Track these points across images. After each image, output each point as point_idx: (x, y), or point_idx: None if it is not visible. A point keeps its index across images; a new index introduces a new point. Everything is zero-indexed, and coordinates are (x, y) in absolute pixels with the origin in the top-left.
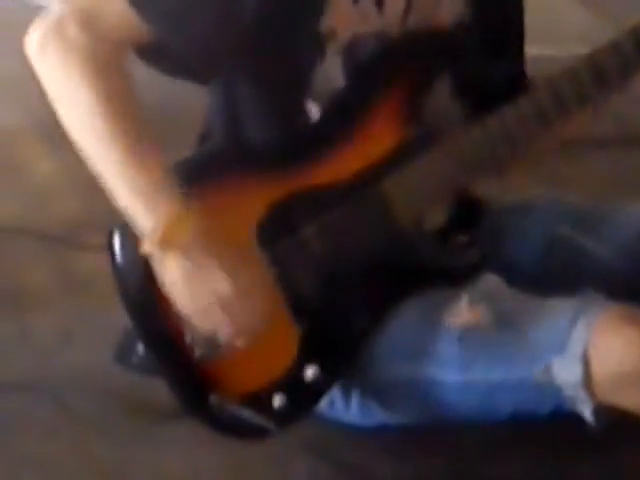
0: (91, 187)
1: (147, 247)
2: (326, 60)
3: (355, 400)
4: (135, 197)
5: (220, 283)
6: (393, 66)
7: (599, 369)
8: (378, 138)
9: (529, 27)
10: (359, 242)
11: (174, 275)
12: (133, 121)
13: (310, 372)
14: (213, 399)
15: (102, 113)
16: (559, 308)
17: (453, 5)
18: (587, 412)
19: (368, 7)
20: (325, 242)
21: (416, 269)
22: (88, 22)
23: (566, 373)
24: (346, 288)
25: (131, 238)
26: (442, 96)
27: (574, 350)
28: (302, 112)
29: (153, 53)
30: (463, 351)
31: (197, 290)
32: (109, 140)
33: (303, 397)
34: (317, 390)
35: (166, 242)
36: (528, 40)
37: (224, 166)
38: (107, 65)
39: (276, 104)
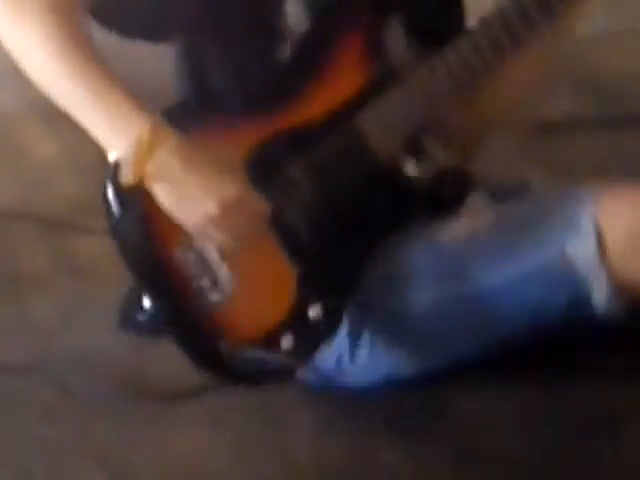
0: (91, 169)
1: (128, 173)
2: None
3: (364, 349)
4: (106, 118)
5: (207, 204)
6: (351, 4)
7: (611, 235)
8: (346, 76)
9: None
10: (343, 177)
11: (164, 193)
12: (92, 51)
13: (313, 310)
14: (223, 347)
15: (61, 45)
16: (563, 196)
17: None
18: (601, 295)
19: None
20: (310, 180)
21: (402, 198)
22: None
23: (580, 249)
24: (336, 223)
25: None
26: (395, 32)
27: (585, 226)
28: (271, 56)
29: (108, 10)
30: (484, 255)
31: (188, 209)
32: (72, 69)
33: (310, 335)
34: (323, 327)
35: (145, 158)
36: None
37: (199, 117)
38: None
39: (244, 50)
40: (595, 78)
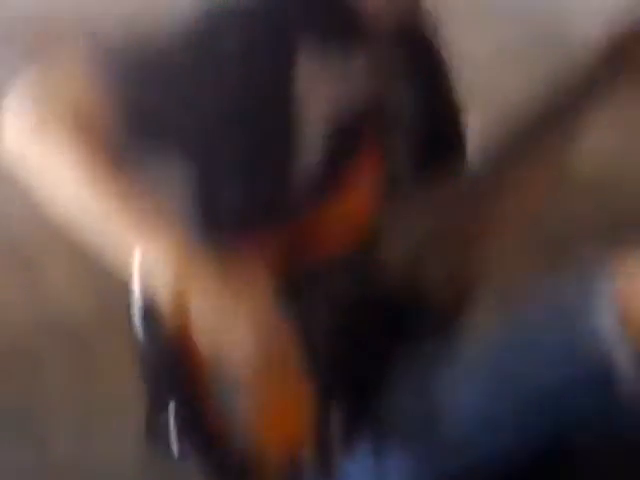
0: (107, 281)
1: (162, 296)
2: (306, 134)
3: (391, 467)
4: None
5: (243, 331)
6: (370, 124)
7: (630, 301)
8: (362, 196)
9: None
10: (361, 297)
11: (198, 319)
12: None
13: (334, 424)
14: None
15: (91, 168)
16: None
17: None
18: (624, 359)
19: (333, 72)
20: (330, 300)
21: (418, 312)
22: (71, 110)
23: (603, 321)
24: (353, 342)
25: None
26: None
27: (605, 297)
28: (284, 190)
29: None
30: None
31: (223, 334)
32: (103, 191)
33: (332, 451)
34: (345, 441)
35: (180, 283)
36: None
37: (214, 239)
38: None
39: (258, 170)
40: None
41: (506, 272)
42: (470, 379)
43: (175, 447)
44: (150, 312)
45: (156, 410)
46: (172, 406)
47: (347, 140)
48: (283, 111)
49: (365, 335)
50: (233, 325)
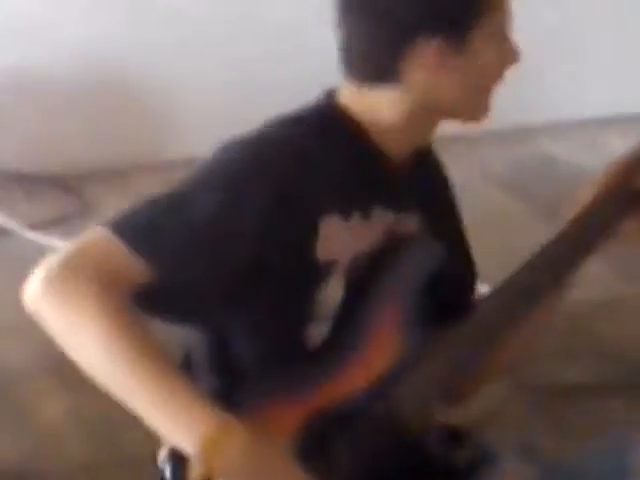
0: (98, 429)
1: (196, 469)
2: (328, 286)
3: None
4: (172, 419)
5: None
6: (384, 275)
7: None
8: (381, 349)
9: None
10: (377, 450)
11: None
12: (154, 349)
13: None
14: None
15: (122, 348)
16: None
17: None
18: None
19: (357, 226)
20: (348, 455)
21: (424, 466)
22: (96, 267)
23: None
24: None
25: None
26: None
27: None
28: (303, 339)
29: (153, 297)
30: None
31: None
32: (134, 368)
33: None
34: None
35: (213, 457)
36: None
37: (239, 404)
38: (119, 305)
39: (276, 339)
40: (615, 344)
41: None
42: None
43: None
44: None
45: None
46: None
47: (367, 296)
48: (303, 272)
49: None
50: None
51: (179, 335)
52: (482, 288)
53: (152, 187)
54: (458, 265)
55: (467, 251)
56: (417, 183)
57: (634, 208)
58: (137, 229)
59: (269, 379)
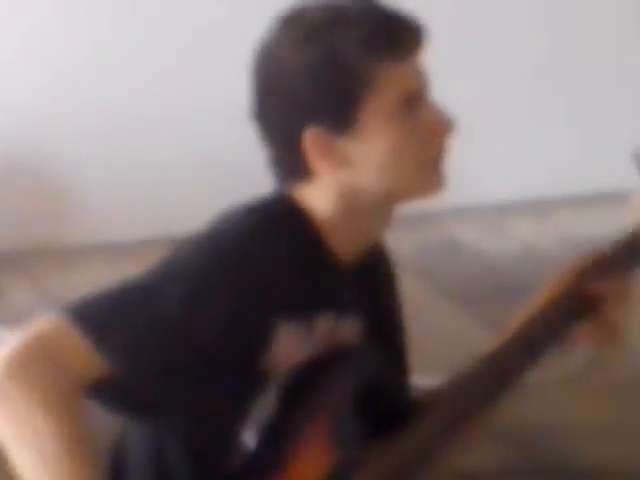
0: None
1: None
2: (267, 391)
3: None
4: None
5: None
6: (317, 387)
7: None
8: (308, 464)
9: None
10: None
11: None
12: (82, 453)
13: None
14: None
15: (63, 449)
16: None
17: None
18: None
19: (301, 335)
20: None
21: None
22: (49, 359)
23: None
24: None
25: None
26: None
27: None
28: (236, 445)
29: (108, 390)
30: None
31: None
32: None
33: None
34: None
35: None
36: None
37: None
38: (68, 400)
39: (211, 441)
40: (517, 428)
41: None
42: None
43: None
44: None
45: None
46: None
47: (304, 404)
48: (248, 380)
49: None
50: None
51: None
52: None
53: (59, 273)
54: (395, 370)
55: (405, 354)
56: (362, 284)
57: (585, 313)
58: (96, 321)
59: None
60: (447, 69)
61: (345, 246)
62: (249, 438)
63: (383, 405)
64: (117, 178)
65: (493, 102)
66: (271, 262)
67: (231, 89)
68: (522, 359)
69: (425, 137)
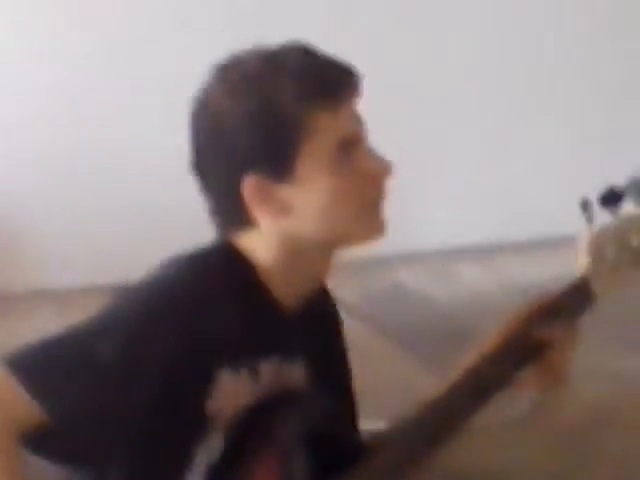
0: None
1: None
2: (211, 435)
3: None
4: None
5: None
6: (264, 430)
7: None
8: None
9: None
10: None
11: None
12: None
13: None
14: None
15: None
16: None
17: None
18: None
19: (246, 380)
20: None
21: None
22: None
23: None
24: None
25: None
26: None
27: None
28: None
29: (41, 440)
30: None
31: None
32: None
33: None
34: None
35: None
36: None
37: None
38: (6, 449)
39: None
40: (460, 473)
41: None
42: None
43: None
44: None
45: None
46: None
47: (248, 446)
48: (190, 424)
49: None
50: None
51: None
52: None
53: (3, 319)
54: (342, 414)
55: (352, 399)
56: (306, 328)
57: (532, 358)
58: (33, 369)
59: None
60: (392, 113)
61: (288, 291)
62: None
63: (332, 449)
64: (63, 227)
65: (439, 148)
66: (211, 311)
67: (171, 143)
68: (468, 404)
69: (362, 182)
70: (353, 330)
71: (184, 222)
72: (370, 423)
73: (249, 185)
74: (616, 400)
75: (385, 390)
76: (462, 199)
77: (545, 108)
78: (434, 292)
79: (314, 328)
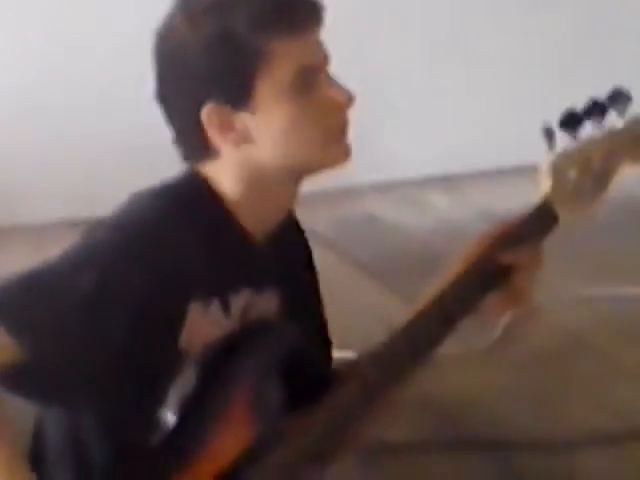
0: None
1: None
2: (185, 368)
3: None
4: None
5: None
6: (236, 361)
7: None
8: (231, 437)
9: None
10: None
11: None
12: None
13: None
14: None
15: None
16: None
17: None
18: None
19: (217, 313)
20: None
21: None
22: None
23: None
24: None
25: None
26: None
27: None
28: (155, 424)
29: (18, 376)
30: None
31: None
32: None
33: None
34: None
35: None
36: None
37: None
38: None
39: (129, 421)
40: (434, 400)
41: None
42: None
43: None
44: None
45: None
46: None
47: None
48: (164, 360)
49: None
50: None
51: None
52: None
53: None
54: (315, 343)
55: (324, 327)
56: (277, 258)
57: (496, 283)
58: (7, 304)
59: (118, 475)
60: (363, 46)
61: (255, 222)
62: (169, 415)
63: (304, 377)
64: (35, 162)
65: (407, 78)
66: (179, 244)
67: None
68: (434, 330)
69: (322, 110)
70: (324, 260)
71: (156, 156)
72: (341, 352)
73: (209, 113)
74: (584, 326)
75: (357, 318)
76: (432, 129)
77: (510, 33)
78: (405, 221)
79: (283, 258)
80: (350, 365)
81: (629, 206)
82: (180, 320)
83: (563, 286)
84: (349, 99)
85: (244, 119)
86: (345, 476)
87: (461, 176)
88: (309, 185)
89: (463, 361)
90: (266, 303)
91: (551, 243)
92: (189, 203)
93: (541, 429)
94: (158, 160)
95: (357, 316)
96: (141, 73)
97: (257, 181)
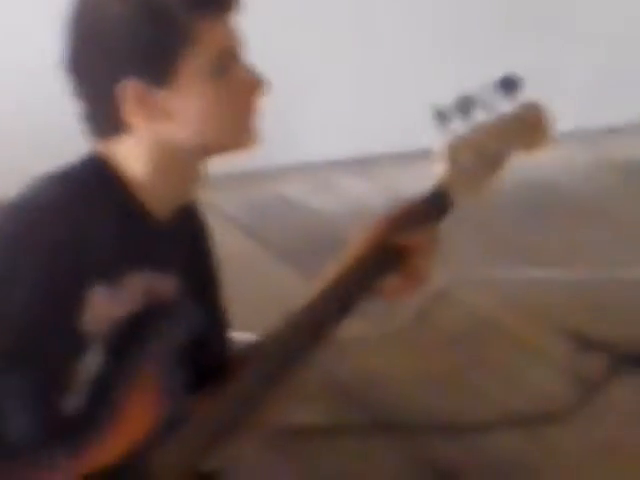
0: None
1: None
2: (89, 351)
3: None
4: None
5: None
6: (141, 341)
7: None
8: (138, 417)
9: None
10: None
11: None
12: None
13: None
14: None
15: None
16: None
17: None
18: None
19: (118, 294)
20: None
21: None
22: None
23: None
24: None
25: None
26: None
27: None
28: (62, 402)
29: None
30: None
31: None
32: None
33: None
34: None
35: None
36: None
37: None
38: None
39: (37, 397)
40: (344, 383)
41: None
42: None
43: None
44: None
45: None
46: None
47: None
48: (67, 342)
49: None
50: None
51: None
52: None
53: None
54: (214, 325)
55: (223, 309)
56: (177, 240)
57: (394, 265)
58: None
59: (31, 451)
60: (268, 31)
61: (158, 202)
62: (78, 397)
63: (203, 359)
64: None
65: (317, 61)
66: (82, 226)
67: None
68: (333, 312)
69: (237, 93)
70: (236, 242)
71: (63, 138)
72: (245, 335)
73: (127, 89)
74: (494, 308)
75: (267, 302)
76: (341, 111)
77: (416, 16)
78: (316, 204)
79: (184, 241)
80: (252, 347)
81: (538, 189)
82: (81, 302)
83: (472, 268)
84: (262, 84)
85: (162, 97)
86: (253, 460)
87: (373, 159)
88: (221, 167)
89: (375, 344)
90: (166, 284)
91: (460, 226)
92: (91, 184)
93: (452, 412)
94: (66, 144)
95: (267, 299)
96: None
97: (166, 159)
